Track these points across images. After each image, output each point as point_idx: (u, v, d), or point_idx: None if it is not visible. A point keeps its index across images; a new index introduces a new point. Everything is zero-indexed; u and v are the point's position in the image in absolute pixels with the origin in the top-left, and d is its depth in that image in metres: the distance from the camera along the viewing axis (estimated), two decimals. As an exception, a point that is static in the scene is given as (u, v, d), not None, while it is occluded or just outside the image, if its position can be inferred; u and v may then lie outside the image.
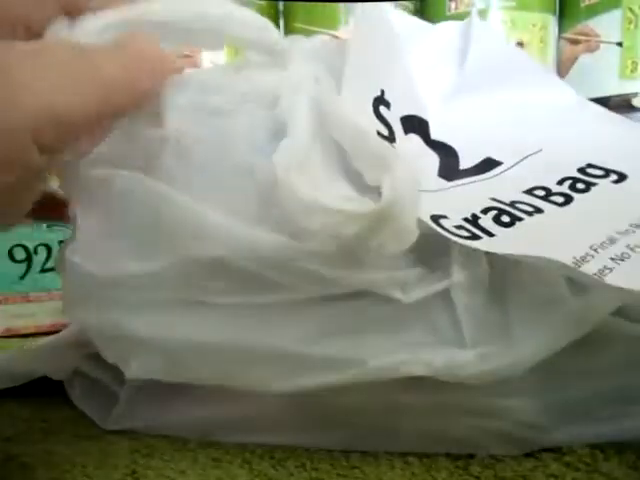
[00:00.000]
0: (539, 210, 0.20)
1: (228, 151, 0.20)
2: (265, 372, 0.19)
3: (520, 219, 0.20)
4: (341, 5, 0.50)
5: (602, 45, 0.49)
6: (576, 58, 0.51)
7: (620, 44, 0.48)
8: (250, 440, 0.22)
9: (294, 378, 0.19)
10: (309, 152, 0.19)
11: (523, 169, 0.23)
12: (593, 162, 0.22)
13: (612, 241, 0.18)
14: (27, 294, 0.41)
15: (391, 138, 0.22)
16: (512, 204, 0.20)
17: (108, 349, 0.21)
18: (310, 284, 0.19)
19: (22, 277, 0.40)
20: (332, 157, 0.19)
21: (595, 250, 0.18)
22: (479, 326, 0.19)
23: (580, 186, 0.21)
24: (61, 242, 0.40)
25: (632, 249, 0.18)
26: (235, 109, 0.20)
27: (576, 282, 0.19)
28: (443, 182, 0.22)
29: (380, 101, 0.22)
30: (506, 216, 0.20)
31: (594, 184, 0.21)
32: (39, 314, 0.41)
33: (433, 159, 0.23)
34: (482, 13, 0.50)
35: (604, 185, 0.21)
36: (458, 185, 0.22)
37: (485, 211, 0.20)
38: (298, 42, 0.22)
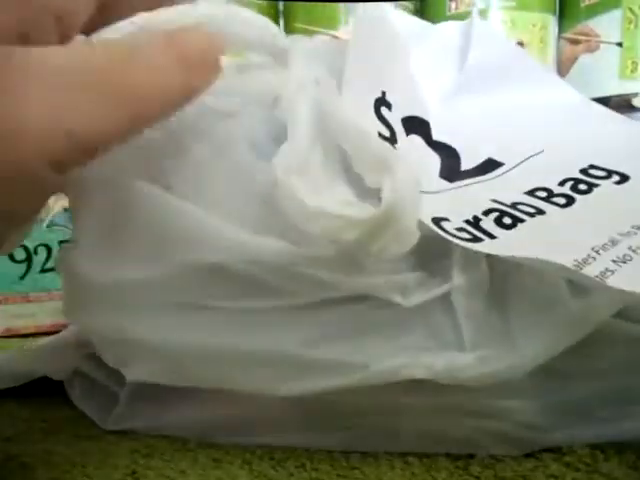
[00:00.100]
0: (541, 211, 0.20)
1: (228, 152, 0.20)
2: (267, 376, 0.19)
3: (522, 220, 0.20)
4: (341, 5, 0.50)
5: (602, 45, 0.49)
6: (576, 58, 0.51)
7: (620, 44, 0.48)
8: (250, 441, 0.22)
9: (298, 382, 0.19)
10: (309, 154, 0.18)
11: (525, 170, 0.22)
12: (595, 163, 0.22)
13: (614, 243, 0.18)
14: (27, 294, 0.40)
15: (393, 139, 0.22)
16: (513, 205, 0.20)
17: (109, 353, 0.21)
18: (310, 288, 0.18)
19: (22, 277, 0.40)
20: (333, 159, 0.19)
21: (597, 252, 0.18)
22: (479, 329, 0.19)
23: (582, 187, 0.21)
24: (61, 242, 0.40)
25: (634, 251, 0.18)
26: (235, 110, 0.20)
27: (577, 284, 0.19)
28: (444, 183, 0.22)
29: (381, 102, 0.22)
30: (507, 218, 0.20)
31: (596, 185, 0.21)
32: (39, 314, 0.41)
33: (434, 160, 0.23)
34: (482, 13, 0.50)
35: (606, 186, 0.21)
36: (459, 186, 0.22)
37: (486, 213, 0.20)
38: (299, 42, 0.22)
